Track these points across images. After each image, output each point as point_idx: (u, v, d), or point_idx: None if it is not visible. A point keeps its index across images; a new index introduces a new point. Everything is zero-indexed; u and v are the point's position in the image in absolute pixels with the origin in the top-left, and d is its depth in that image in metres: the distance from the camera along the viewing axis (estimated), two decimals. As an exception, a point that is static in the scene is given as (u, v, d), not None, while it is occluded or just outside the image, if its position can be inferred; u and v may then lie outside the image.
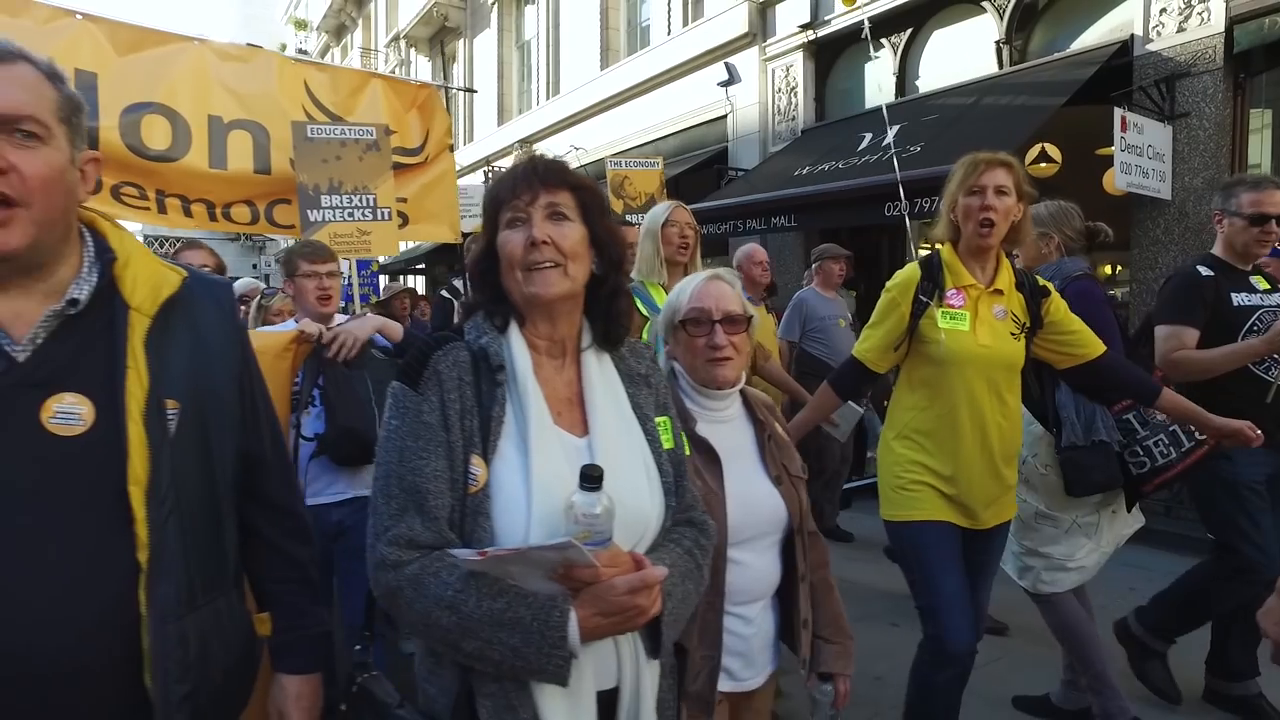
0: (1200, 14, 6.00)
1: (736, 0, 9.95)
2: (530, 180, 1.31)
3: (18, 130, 1.04)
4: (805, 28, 9.14)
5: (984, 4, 7.73)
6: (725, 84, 10.18)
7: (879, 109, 5.79)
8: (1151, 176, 6.04)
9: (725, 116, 10.38)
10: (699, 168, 10.19)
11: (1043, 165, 6.61)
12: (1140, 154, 5.97)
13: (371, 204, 4.18)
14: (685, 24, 11.18)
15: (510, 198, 1.32)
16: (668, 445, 1.39)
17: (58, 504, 1.05)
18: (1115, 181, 5.82)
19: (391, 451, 1.22)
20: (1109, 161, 5.86)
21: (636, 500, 1.26)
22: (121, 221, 1.26)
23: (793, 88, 9.53)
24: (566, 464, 1.22)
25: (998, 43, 7.65)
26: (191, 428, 1.17)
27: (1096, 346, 2.55)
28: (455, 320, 5.01)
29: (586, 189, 1.36)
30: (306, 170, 4.04)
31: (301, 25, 29.82)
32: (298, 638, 1.37)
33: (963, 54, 8.04)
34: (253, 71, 4.21)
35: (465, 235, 5.13)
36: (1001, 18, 7.64)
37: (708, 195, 9.00)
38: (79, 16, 3.66)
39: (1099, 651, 2.88)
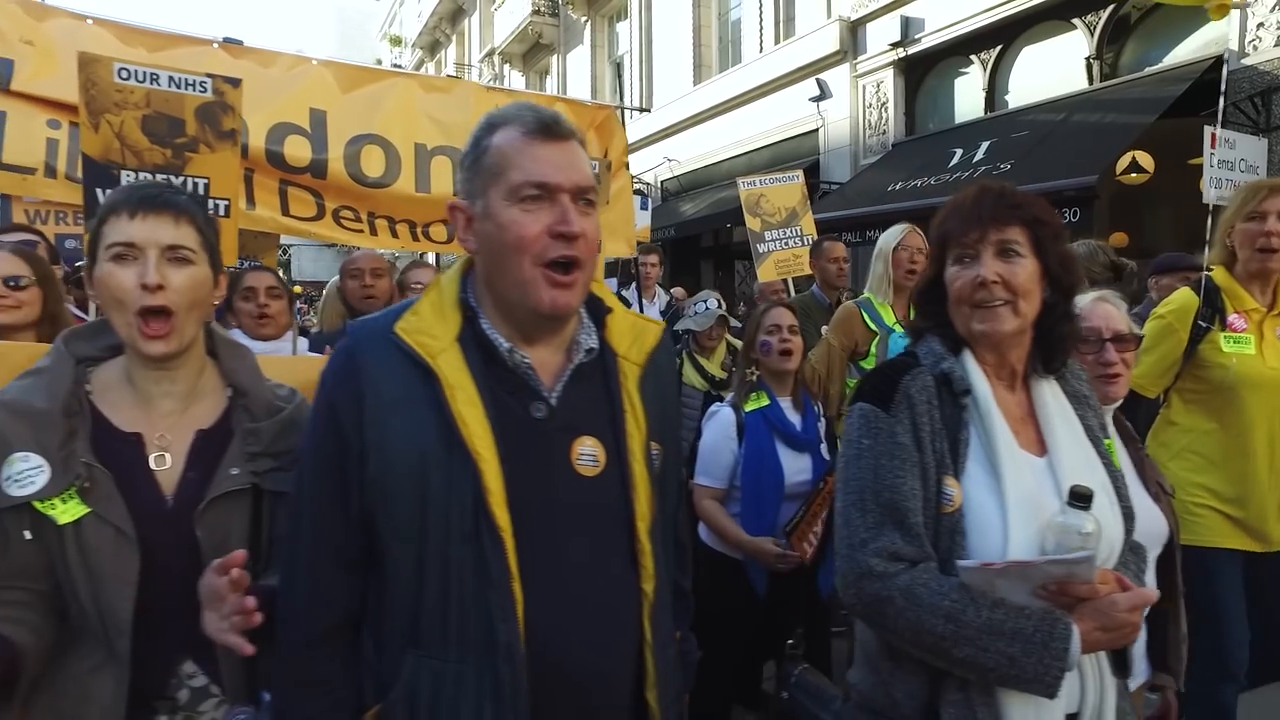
0: (1298, 29, 6.20)
1: (828, 19, 10.40)
2: (980, 217, 1.31)
3: (583, 199, 1.15)
4: (896, 45, 9.52)
5: (1074, 20, 7.97)
6: (816, 99, 10.64)
7: (969, 124, 5.85)
8: (1243, 189, 6.24)
9: (816, 130, 10.82)
10: (790, 179, 10.66)
11: (1134, 175, 6.79)
12: (1232, 168, 6.17)
13: None
14: (777, 42, 11.66)
15: (959, 234, 1.33)
16: (1118, 466, 1.39)
17: (594, 538, 1.16)
18: (1205, 195, 6.04)
19: (865, 469, 1.29)
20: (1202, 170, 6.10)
21: (1104, 521, 1.24)
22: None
23: (883, 103, 9.92)
24: (1035, 483, 1.27)
25: (1088, 59, 7.87)
26: (663, 468, 1.27)
27: None
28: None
29: (1041, 223, 1.33)
30: None
31: (396, 42, 31.44)
32: (688, 663, 1.44)
33: (1053, 70, 8.27)
34: (453, 101, 4.55)
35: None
36: (1092, 34, 7.86)
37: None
38: (315, 61, 4.36)
39: None
